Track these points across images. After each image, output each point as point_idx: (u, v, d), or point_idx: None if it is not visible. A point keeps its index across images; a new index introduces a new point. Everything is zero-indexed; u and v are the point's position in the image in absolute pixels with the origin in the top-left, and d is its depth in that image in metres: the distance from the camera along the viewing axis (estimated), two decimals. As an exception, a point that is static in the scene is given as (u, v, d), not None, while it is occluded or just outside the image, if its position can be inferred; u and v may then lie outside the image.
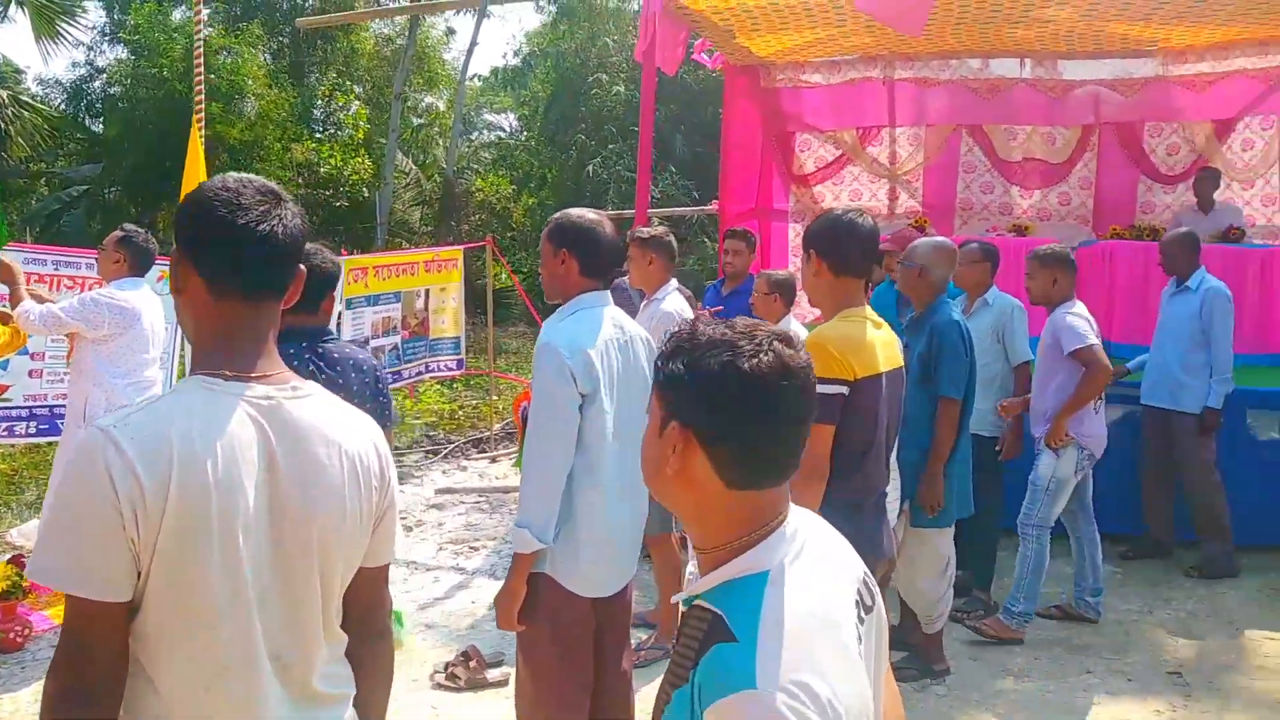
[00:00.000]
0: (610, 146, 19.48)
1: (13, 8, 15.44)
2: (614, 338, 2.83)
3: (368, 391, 2.90)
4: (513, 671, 3.38)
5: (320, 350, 2.85)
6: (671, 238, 4.65)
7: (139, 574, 1.40)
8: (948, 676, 4.33)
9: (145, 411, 1.45)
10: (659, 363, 1.35)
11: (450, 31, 25.96)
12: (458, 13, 24.05)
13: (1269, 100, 8.03)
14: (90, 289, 5.46)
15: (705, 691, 1.20)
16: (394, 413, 3.11)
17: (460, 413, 10.22)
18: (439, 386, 10.56)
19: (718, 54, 8.53)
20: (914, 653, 4.30)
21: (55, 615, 5.01)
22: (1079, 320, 4.57)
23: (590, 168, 19.39)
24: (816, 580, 1.30)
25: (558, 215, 2.93)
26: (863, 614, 1.36)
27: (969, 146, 8.77)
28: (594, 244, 2.83)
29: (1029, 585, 4.68)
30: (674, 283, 4.64)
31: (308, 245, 2.92)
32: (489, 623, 4.95)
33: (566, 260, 2.83)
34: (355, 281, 7.16)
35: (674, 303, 4.52)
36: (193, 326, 1.57)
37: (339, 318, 6.94)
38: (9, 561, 4.89)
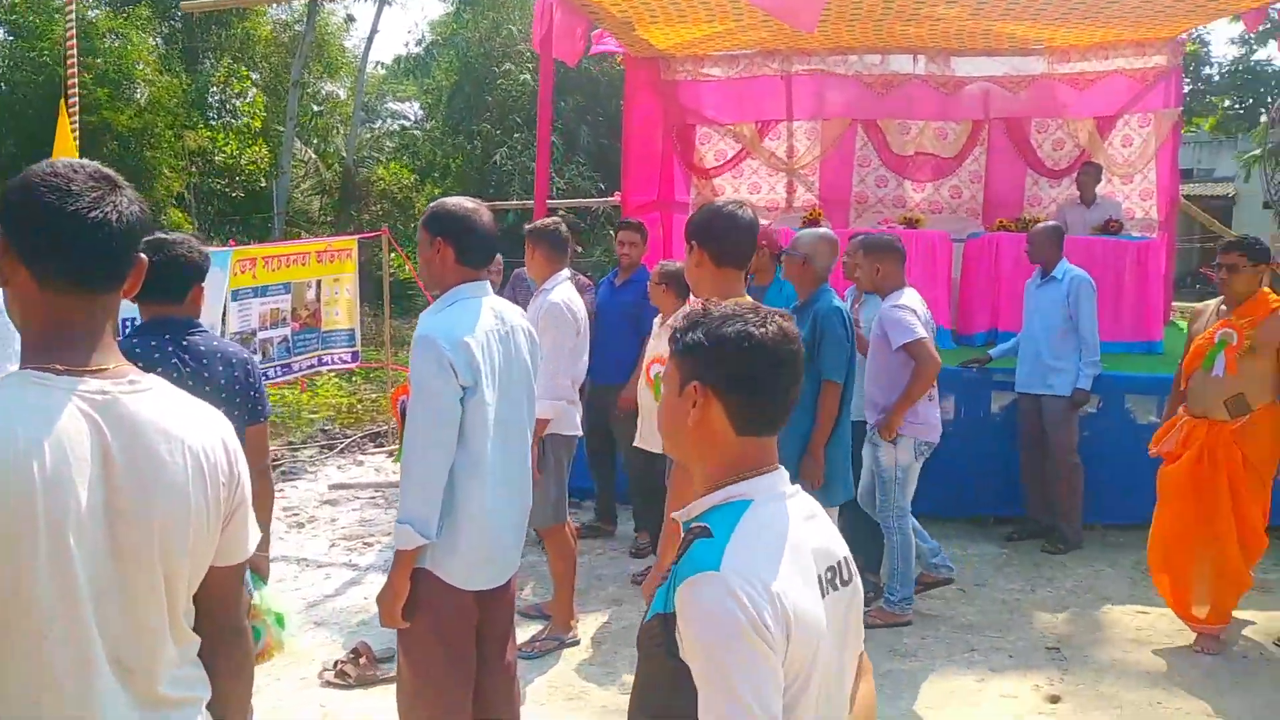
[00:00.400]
0: (516, 136, 19.34)
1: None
2: (494, 328, 2.80)
3: (236, 385, 2.81)
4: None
5: (185, 342, 2.76)
6: (560, 228, 4.62)
7: None
8: (838, 659, 4.41)
9: None
10: (677, 334, 1.60)
11: (350, 18, 25.54)
12: (358, -1, 23.58)
13: (1146, 99, 8.36)
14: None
15: (679, 576, 1.45)
16: (268, 407, 3.02)
17: (359, 406, 10.03)
18: (337, 380, 10.34)
19: (599, 37, 8.51)
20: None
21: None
22: (906, 313, 4.67)
23: (497, 157, 19.21)
24: (798, 524, 1.53)
25: (434, 204, 2.90)
26: (838, 583, 1.56)
27: (864, 141, 8.93)
28: (469, 232, 2.79)
29: (902, 573, 4.83)
30: (565, 273, 4.61)
31: (174, 235, 2.86)
32: (382, 619, 4.88)
33: (442, 249, 2.79)
34: (242, 273, 6.95)
35: (562, 293, 4.49)
36: (21, 319, 1.49)
37: (225, 309, 6.75)
38: None
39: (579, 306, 4.56)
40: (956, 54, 8.57)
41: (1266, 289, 4.62)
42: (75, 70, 5.39)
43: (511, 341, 2.87)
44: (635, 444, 5.14)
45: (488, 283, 2.90)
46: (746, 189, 9.25)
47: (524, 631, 4.69)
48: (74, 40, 5.42)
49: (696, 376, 1.55)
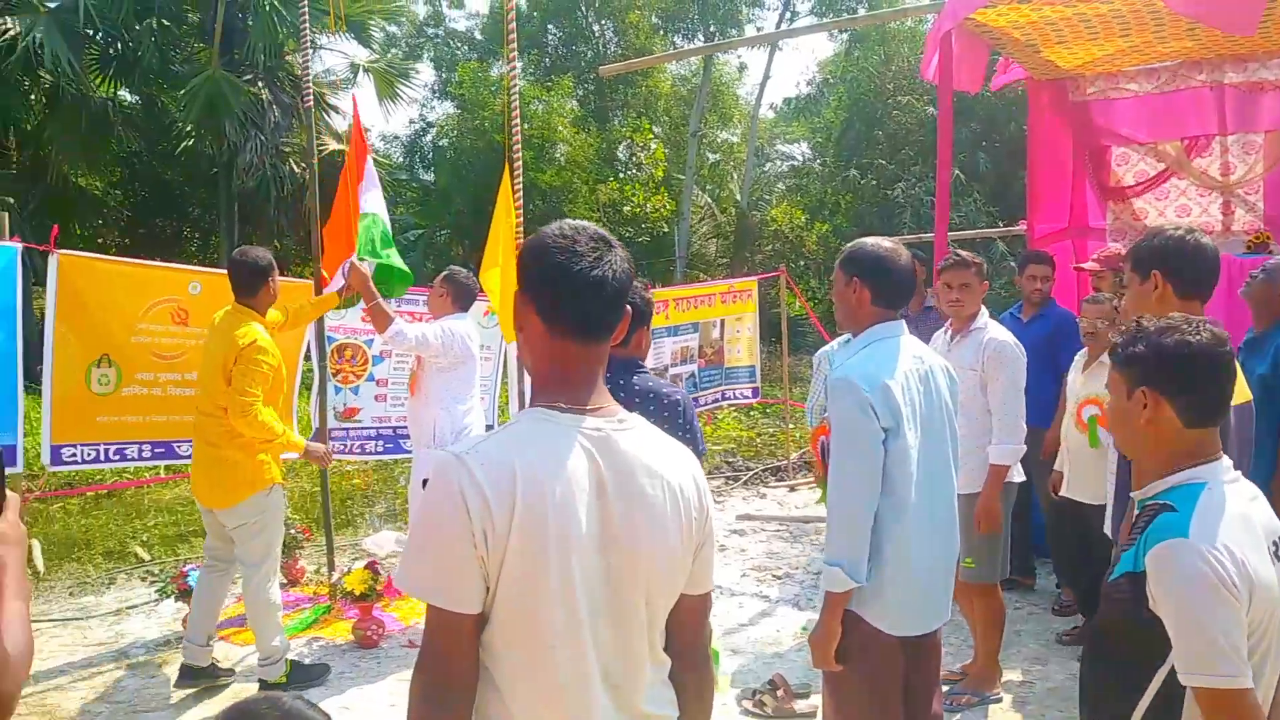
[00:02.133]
0: (912, 169, 19.06)
1: (360, 74, 17.48)
2: (913, 369, 2.75)
3: (664, 426, 2.94)
4: (819, 704, 3.37)
5: (622, 382, 2.96)
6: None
7: (487, 590, 1.54)
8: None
9: (492, 440, 1.59)
10: (1119, 348, 1.89)
11: (743, 67, 26.64)
12: (751, 48, 24.52)
13: None
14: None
15: (1148, 543, 1.75)
16: (702, 445, 3.16)
17: (758, 440, 10.34)
18: (736, 414, 10.74)
19: (1004, 65, 8.18)
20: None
21: (402, 617, 5.56)
22: None
23: (896, 190, 18.99)
24: (1244, 504, 1.81)
25: (851, 244, 2.88)
26: None
27: (1318, 152, 7.82)
28: (886, 273, 2.76)
29: None
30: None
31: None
32: (795, 652, 4.98)
33: (859, 290, 2.78)
34: (657, 313, 7.48)
35: (1002, 330, 4.27)
36: (532, 362, 1.70)
37: (643, 348, 7.27)
38: (365, 567, 5.43)
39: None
40: None
41: None
42: (519, 139, 6.06)
43: (932, 381, 2.79)
44: (1062, 492, 4.85)
45: (903, 322, 2.86)
46: (1173, 211, 8.43)
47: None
48: (518, 112, 6.10)
49: (1144, 383, 1.82)
